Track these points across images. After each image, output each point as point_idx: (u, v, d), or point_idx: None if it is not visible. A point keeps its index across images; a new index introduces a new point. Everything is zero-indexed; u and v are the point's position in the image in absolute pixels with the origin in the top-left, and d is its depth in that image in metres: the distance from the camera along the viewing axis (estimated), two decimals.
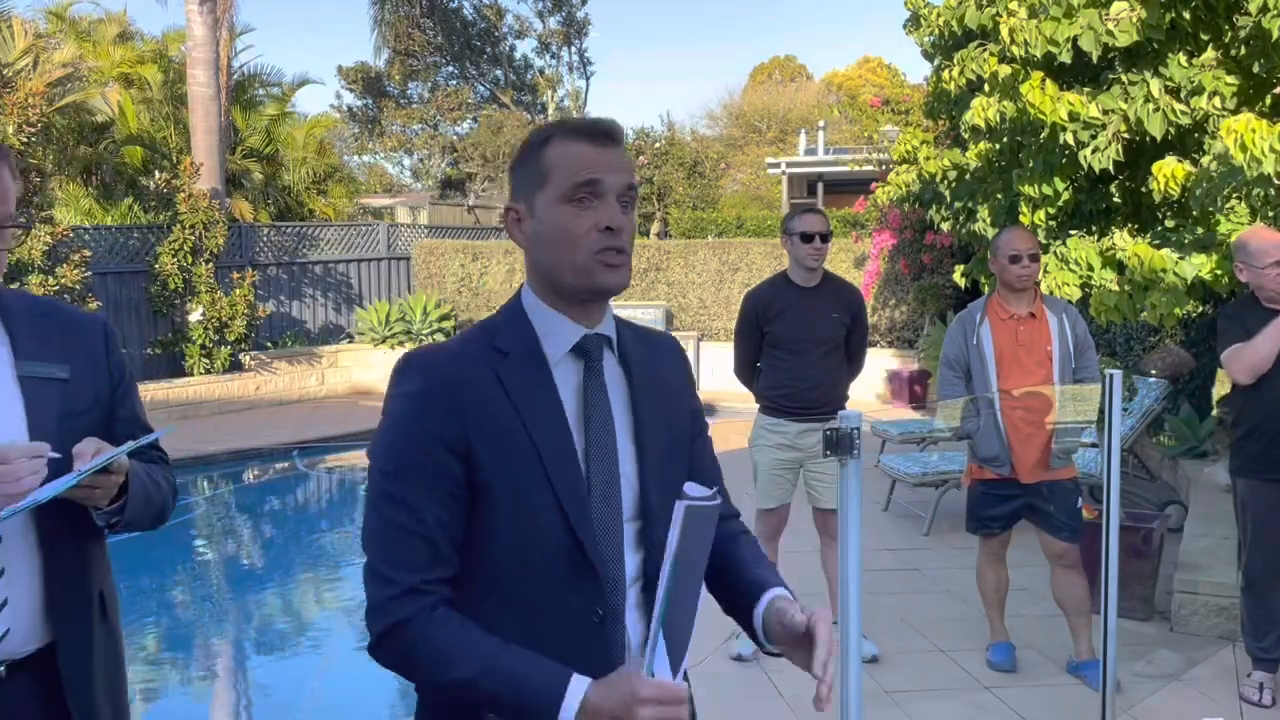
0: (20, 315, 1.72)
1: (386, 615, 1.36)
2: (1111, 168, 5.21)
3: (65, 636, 1.69)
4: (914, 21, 7.02)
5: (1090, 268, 5.49)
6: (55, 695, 1.69)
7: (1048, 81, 5.17)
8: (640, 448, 1.50)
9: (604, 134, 1.45)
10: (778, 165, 20.14)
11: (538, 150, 1.47)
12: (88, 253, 11.08)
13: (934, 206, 7.51)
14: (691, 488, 1.30)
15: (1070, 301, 5.09)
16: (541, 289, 1.50)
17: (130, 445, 1.63)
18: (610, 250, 1.43)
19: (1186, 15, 4.87)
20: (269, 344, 13.74)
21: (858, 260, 13.98)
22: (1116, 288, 5.34)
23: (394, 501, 1.39)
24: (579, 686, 1.31)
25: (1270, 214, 4.79)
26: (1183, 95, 4.96)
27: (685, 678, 1.37)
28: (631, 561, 1.49)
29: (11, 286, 1.85)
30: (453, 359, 1.45)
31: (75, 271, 10.46)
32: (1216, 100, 4.78)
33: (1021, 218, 5.99)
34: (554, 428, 1.43)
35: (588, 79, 25.23)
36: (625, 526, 1.48)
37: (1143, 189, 5.88)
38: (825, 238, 4.30)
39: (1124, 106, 5.02)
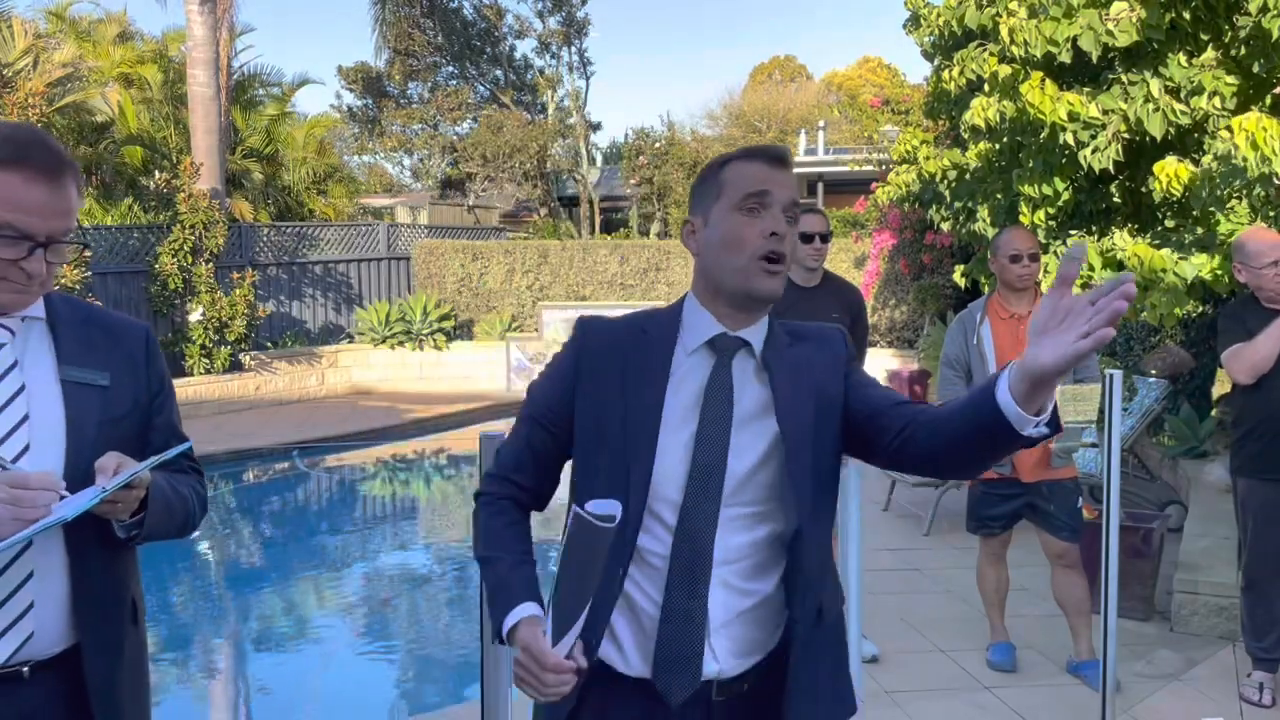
0: (66, 321, 1.73)
1: (482, 485, 1.79)
2: (1111, 168, 5.21)
3: (92, 640, 1.70)
4: (914, 21, 7.02)
5: (1090, 268, 5.49)
6: (79, 698, 1.69)
7: (1047, 81, 5.18)
8: (784, 434, 1.62)
9: (776, 157, 1.66)
10: None
11: (717, 170, 1.68)
12: (88, 253, 11.07)
13: (934, 206, 7.51)
14: (595, 505, 1.45)
15: None
16: (702, 292, 1.70)
17: (153, 460, 1.62)
18: (771, 257, 1.60)
19: (1186, 15, 4.88)
20: (269, 344, 13.75)
21: (858, 260, 13.98)
22: None
23: (519, 418, 1.76)
24: (517, 614, 1.56)
25: (1271, 214, 4.79)
26: (1183, 95, 4.96)
27: (572, 656, 1.52)
28: (727, 544, 1.62)
29: None
30: (603, 328, 1.72)
31: (75, 271, 10.45)
32: (1216, 100, 4.78)
33: (1021, 218, 5.99)
34: (647, 403, 1.63)
35: (588, 79, 25.22)
36: (722, 511, 1.62)
37: (1143, 189, 5.88)
38: (825, 238, 4.30)
39: (1124, 106, 5.02)
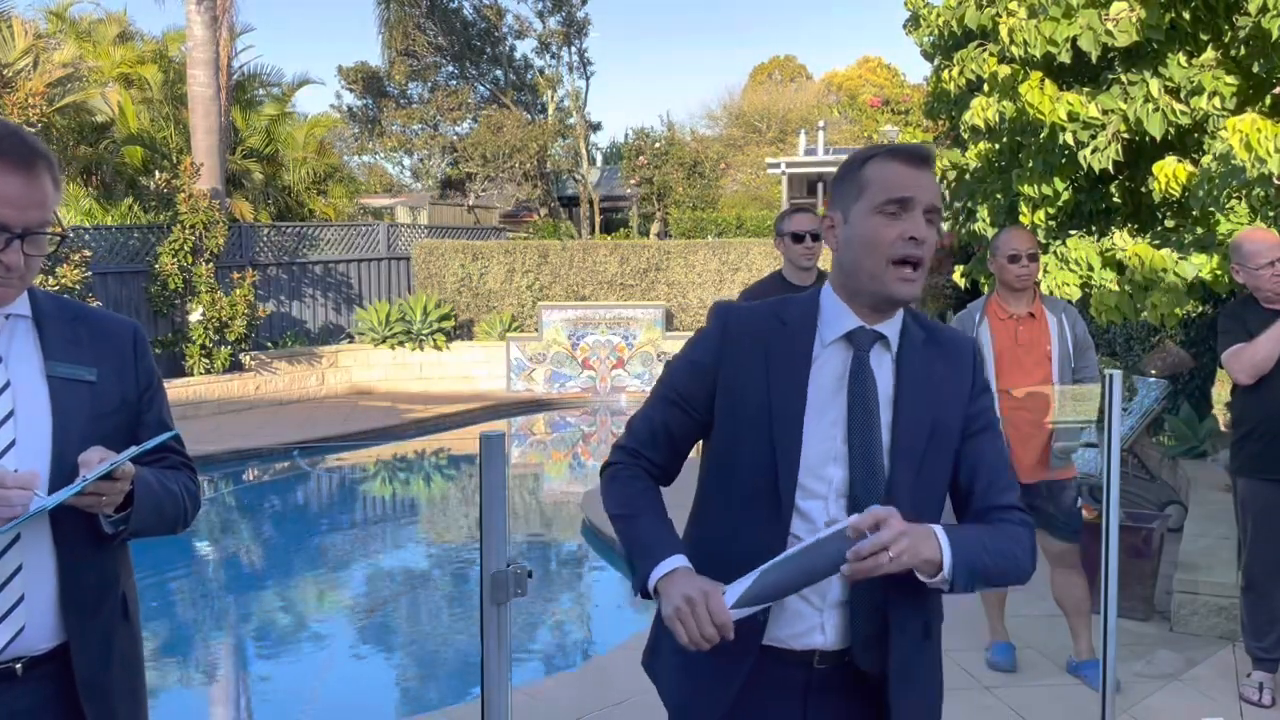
0: (52, 317, 1.74)
1: (610, 455, 1.84)
2: (1111, 168, 5.21)
3: (81, 635, 1.70)
4: (914, 21, 7.02)
5: (1090, 268, 5.49)
6: (73, 694, 1.69)
7: (1047, 81, 5.18)
8: (894, 439, 1.68)
9: (920, 157, 1.67)
10: (778, 165, 20.14)
11: (859, 167, 1.69)
12: (88, 253, 11.08)
13: None
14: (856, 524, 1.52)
15: (1070, 301, 5.09)
16: (840, 287, 1.73)
17: (132, 451, 1.63)
18: (908, 264, 1.63)
19: (1186, 15, 4.88)
20: (269, 344, 13.75)
21: None
22: (1116, 288, 5.34)
23: (655, 396, 1.82)
24: (675, 562, 1.64)
25: (1270, 214, 4.79)
26: (1182, 95, 4.96)
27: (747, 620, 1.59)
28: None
29: None
30: (744, 315, 1.76)
31: (75, 271, 10.46)
32: (1216, 100, 4.78)
33: (1021, 218, 5.99)
34: (791, 393, 1.68)
35: (588, 79, 25.22)
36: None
37: (1143, 189, 5.88)
38: (816, 236, 4.31)
39: (1123, 106, 5.02)
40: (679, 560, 1.65)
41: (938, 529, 1.62)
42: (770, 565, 1.57)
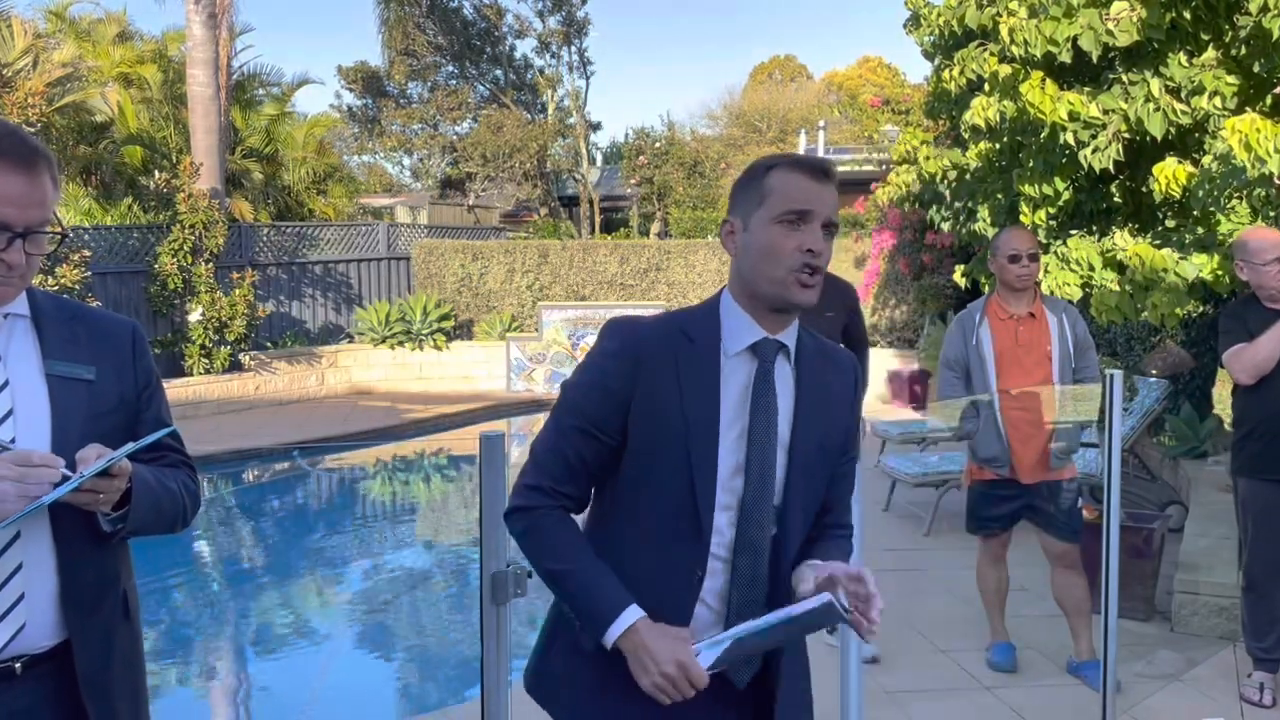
0: (51, 317, 1.74)
1: (517, 498, 1.73)
2: (1111, 168, 5.20)
3: (82, 634, 1.70)
4: (914, 21, 7.02)
5: (1091, 268, 5.49)
6: (73, 693, 1.69)
7: (1048, 81, 5.17)
8: (792, 445, 1.71)
9: (822, 170, 1.68)
10: None
11: (761, 175, 1.69)
12: (87, 253, 11.08)
13: (934, 206, 7.51)
14: (845, 597, 1.57)
15: (1071, 301, 5.08)
16: (739, 293, 1.72)
17: (129, 447, 1.63)
18: (806, 270, 1.64)
19: (1186, 15, 4.87)
20: (269, 344, 13.74)
21: (858, 260, 13.99)
22: (1117, 288, 5.33)
23: (559, 426, 1.72)
24: (632, 615, 1.60)
25: (1271, 214, 4.78)
26: (1183, 95, 4.95)
27: (713, 680, 1.60)
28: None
29: None
30: (650, 334, 1.71)
31: (75, 271, 10.45)
32: (1217, 100, 4.77)
33: (1021, 218, 5.99)
34: (705, 410, 1.66)
35: (588, 79, 25.21)
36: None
37: (1143, 189, 5.87)
38: None
39: (1124, 106, 5.02)
40: (634, 613, 1.61)
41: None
42: (747, 632, 1.57)
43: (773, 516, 1.70)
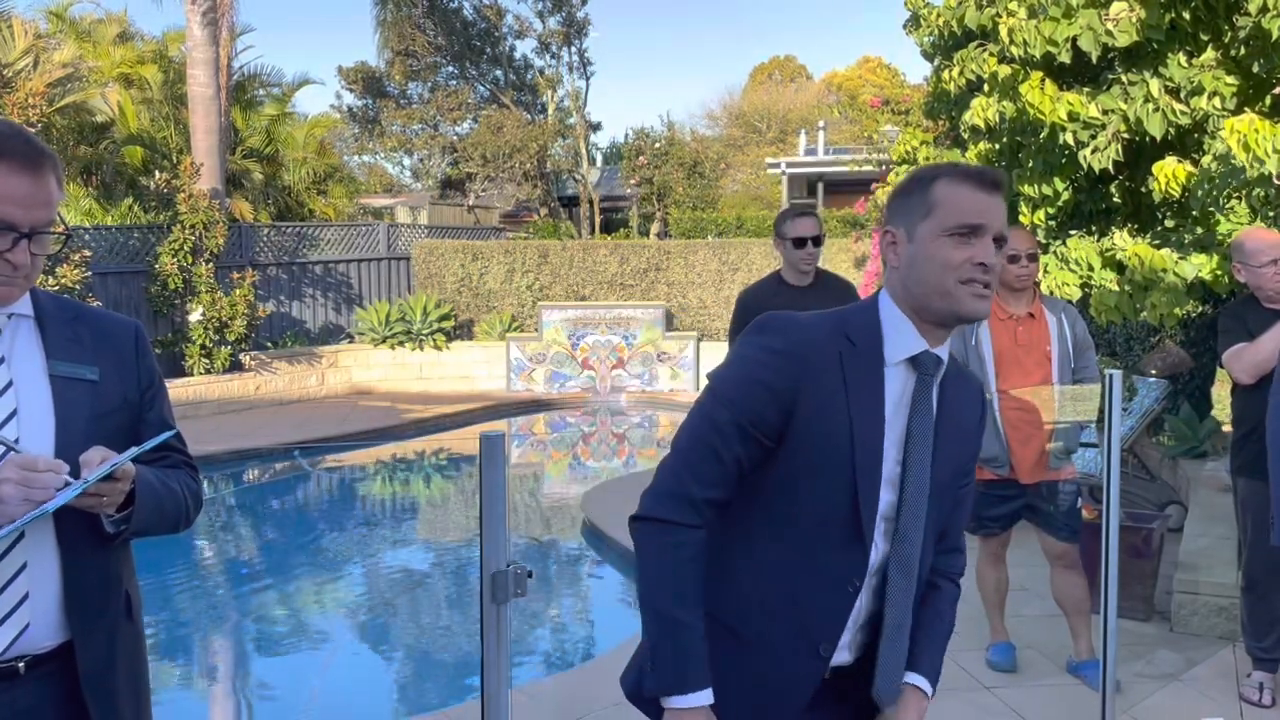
0: (54, 317, 1.75)
1: (659, 506, 1.62)
2: (1111, 168, 5.21)
3: (86, 634, 1.70)
4: (914, 21, 7.02)
5: (1090, 268, 5.49)
6: (76, 693, 1.70)
7: (1047, 81, 5.18)
8: (934, 463, 1.67)
9: (992, 182, 1.63)
10: (778, 165, 20.16)
11: (928, 185, 1.64)
12: (88, 253, 11.08)
13: None
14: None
15: (1070, 301, 5.09)
16: (903, 303, 1.67)
17: (133, 451, 1.63)
18: (978, 283, 1.60)
19: (1186, 15, 4.88)
20: (269, 344, 13.75)
21: (858, 260, 13.99)
22: (1116, 288, 5.34)
23: (713, 424, 1.62)
24: (699, 699, 1.57)
25: (1270, 214, 4.79)
26: (1182, 95, 4.96)
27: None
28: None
29: None
30: (814, 333, 1.64)
31: (75, 271, 10.46)
32: (1216, 100, 4.78)
33: (1021, 218, 5.99)
34: (871, 417, 1.61)
35: (588, 79, 25.21)
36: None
37: (1143, 189, 5.88)
38: (818, 241, 4.30)
39: (1124, 106, 5.02)
40: (704, 699, 1.58)
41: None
42: None
43: (923, 531, 1.66)
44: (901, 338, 1.65)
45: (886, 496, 1.64)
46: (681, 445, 1.65)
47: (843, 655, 1.71)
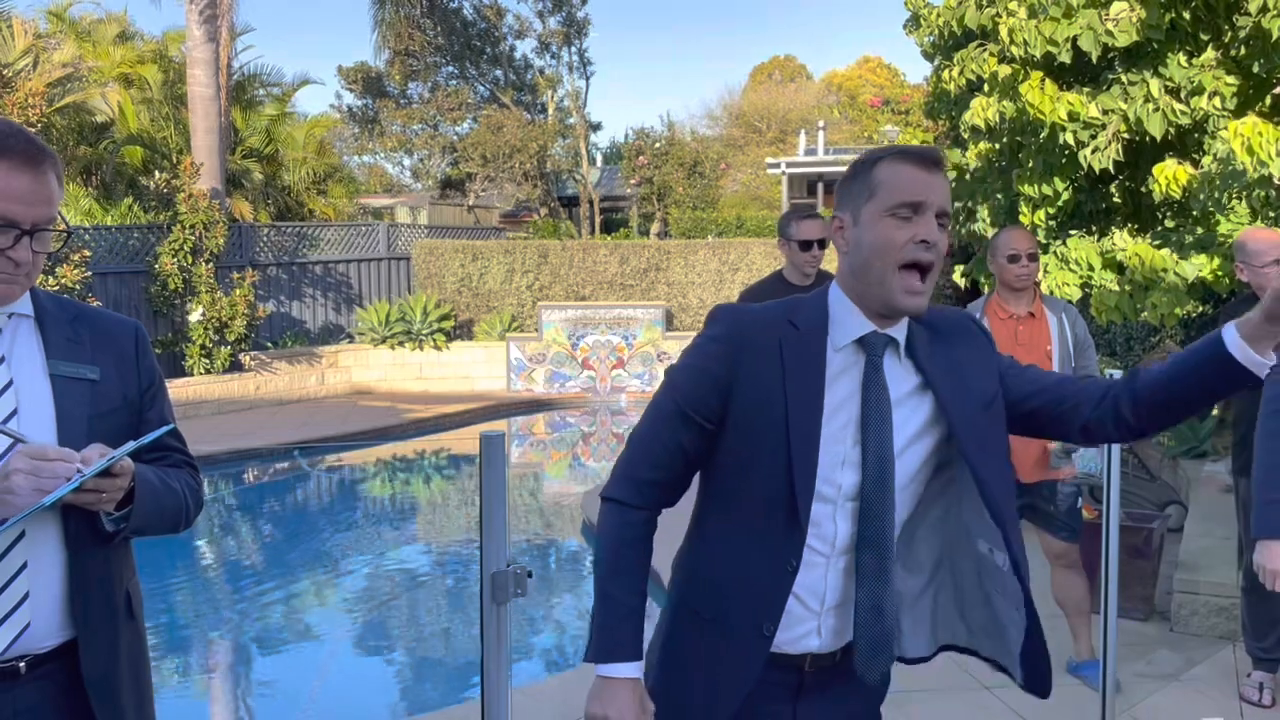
0: (54, 317, 1.75)
1: (615, 488, 1.73)
2: (1111, 168, 5.21)
3: (89, 633, 1.71)
4: (914, 21, 7.03)
5: (1090, 268, 5.49)
6: (76, 694, 1.70)
7: (1047, 81, 5.18)
8: (954, 425, 1.67)
9: (933, 160, 1.65)
10: (778, 165, 20.14)
11: (870, 168, 1.67)
12: (88, 253, 11.08)
13: None
14: None
15: (1070, 301, 5.09)
16: (848, 288, 1.70)
17: (130, 446, 1.63)
18: (918, 269, 1.62)
19: (1186, 15, 4.88)
20: (269, 344, 13.75)
21: None
22: (1117, 288, 5.34)
23: (659, 410, 1.72)
24: (632, 671, 1.65)
25: (1271, 214, 4.79)
26: (1183, 95, 4.96)
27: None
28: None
29: None
30: (754, 319, 1.71)
31: (75, 271, 10.46)
32: (1216, 100, 4.78)
33: (1021, 218, 5.99)
34: (808, 401, 1.64)
35: (588, 79, 25.21)
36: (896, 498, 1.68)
37: (1143, 189, 5.88)
38: (823, 244, 4.31)
39: (1124, 106, 5.02)
40: (629, 670, 1.66)
41: None
42: None
43: (892, 509, 1.66)
44: (848, 321, 1.68)
45: (850, 478, 1.65)
46: (633, 435, 1.76)
47: (810, 641, 1.72)
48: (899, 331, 1.70)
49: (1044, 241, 5.89)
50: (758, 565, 1.67)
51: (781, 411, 1.63)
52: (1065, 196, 5.88)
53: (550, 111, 24.79)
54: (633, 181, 21.70)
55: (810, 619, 1.70)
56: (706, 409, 1.67)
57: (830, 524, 1.67)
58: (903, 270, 1.61)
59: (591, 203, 22.88)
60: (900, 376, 1.69)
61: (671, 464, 1.70)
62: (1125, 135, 5.07)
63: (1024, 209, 5.98)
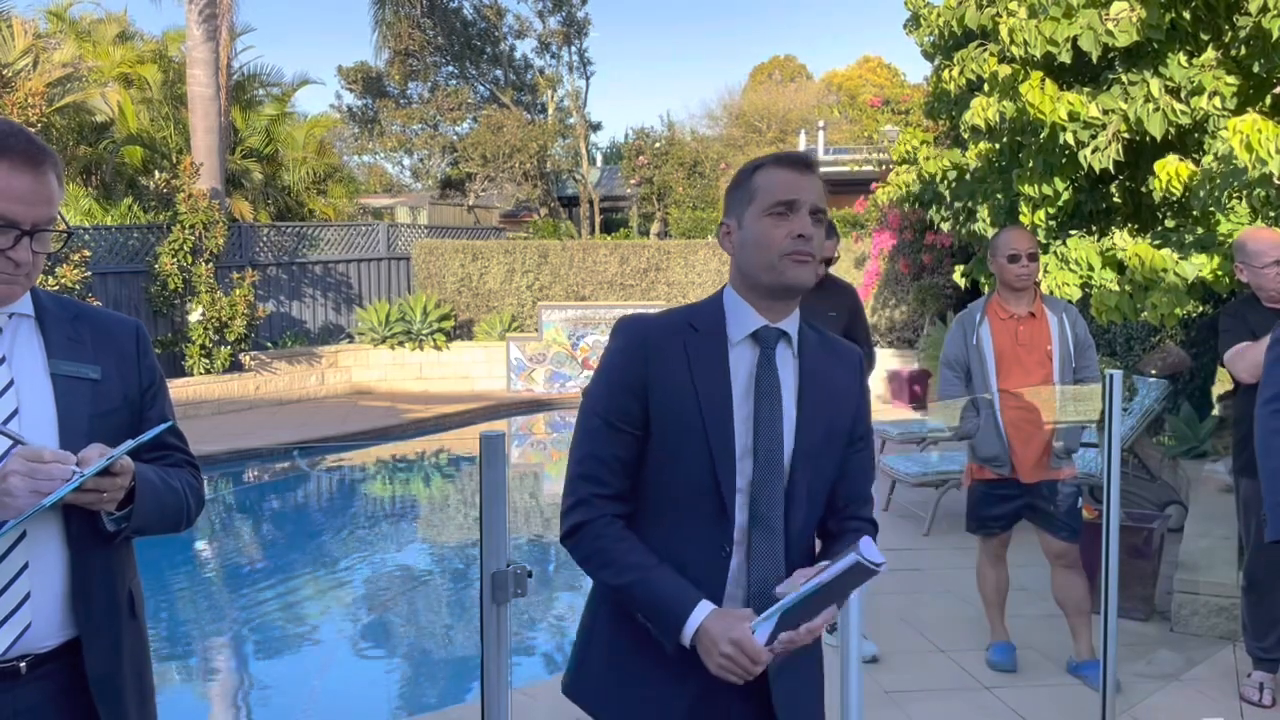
0: (55, 317, 1.75)
1: (566, 520, 1.80)
2: (1111, 168, 5.21)
3: (92, 633, 1.71)
4: (914, 21, 7.02)
5: (1090, 268, 5.49)
6: (76, 694, 1.70)
7: (1047, 81, 5.18)
8: (798, 431, 1.78)
9: (804, 163, 1.79)
10: None
11: (749, 176, 1.81)
12: (88, 253, 11.08)
13: (934, 207, 7.51)
14: (868, 548, 1.58)
15: (1070, 301, 5.09)
16: (739, 286, 1.82)
17: (129, 444, 1.63)
18: (798, 252, 1.73)
19: (1186, 15, 4.88)
20: (269, 344, 13.75)
21: (858, 260, 13.99)
22: (1117, 288, 5.34)
23: (586, 428, 1.80)
24: (701, 612, 1.67)
25: (1271, 214, 4.79)
26: (1183, 95, 4.96)
27: (771, 647, 1.68)
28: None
29: None
30: (654, 325, 1.81)
31: (75, 271, 10.45)
32: (1216, 100, 4.78)
33: (1021, 218, 5.99)
34: (718, 394, 1.75)
35: (588, 79, 25.20)
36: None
37: (1143, 189, 5.88)
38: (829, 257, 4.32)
39: (1124, 106, 5.02)
40: (704, 609, 1.68)
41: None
42: (791, 603, 1.63)
43: (783, 498, 1.76)
44: (742, 317, 1.79)
45: (748, 469, 1.75)
46: (570, 461, 1.82)
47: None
48: (791, 326, 1.81)
49: (1044, 241, 5.89)
50: (695, 554, 1.75)
51: (695, 408, 1.73)
52: (1065, 196, 5.88)
53: (550, 111, 24.79)
54: (633, 181, 21.70)
55: (740, 604, 1.76)
56: (630, 417, 1.76)
57: (743, 512, 1.76)
58: (785, 255, 1.74)
59: (591, 203, 22.87)
60: (791, 369, 1.81)
61: (612, 477, 1.78)
62: (1125, 135, 5.07)
63: (1024, 209, 5.98)
